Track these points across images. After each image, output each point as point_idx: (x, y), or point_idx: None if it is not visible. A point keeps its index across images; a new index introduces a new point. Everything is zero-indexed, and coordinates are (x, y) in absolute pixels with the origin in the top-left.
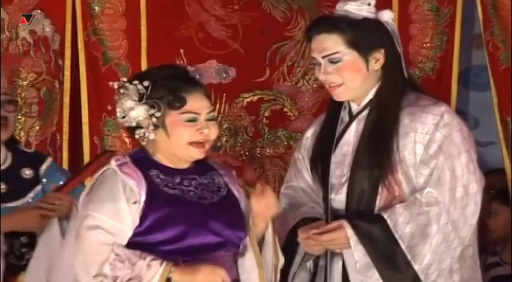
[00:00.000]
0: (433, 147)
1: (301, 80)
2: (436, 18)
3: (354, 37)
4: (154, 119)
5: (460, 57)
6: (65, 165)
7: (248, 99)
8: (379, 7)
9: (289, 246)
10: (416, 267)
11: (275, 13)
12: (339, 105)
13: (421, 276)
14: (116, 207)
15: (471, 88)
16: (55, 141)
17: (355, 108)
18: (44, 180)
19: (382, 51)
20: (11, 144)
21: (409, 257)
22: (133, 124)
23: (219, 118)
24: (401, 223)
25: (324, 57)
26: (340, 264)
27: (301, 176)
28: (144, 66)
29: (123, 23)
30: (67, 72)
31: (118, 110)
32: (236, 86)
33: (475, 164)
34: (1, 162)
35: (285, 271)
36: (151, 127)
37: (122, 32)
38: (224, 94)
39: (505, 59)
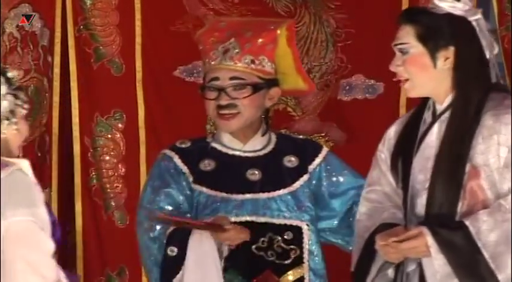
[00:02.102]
0: None
1: None
2: None
3: (425, 31)
4: None
5: None
6: (54, 168)
7: None
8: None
9: (367, 253)
10: (500, 276)
11: (277, 7)
12: (425, 104)
13: None
14: None
15: None
16: (44, 143)
17: (438, 108)
18: None
19: (453, 49)
20: None
21: (492, 266)
22: None
23: None
24: (484, 230)
25: (395, 45)
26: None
27: (385, 179)
28: (138, 63)
29: (117, 18)
30: (57, 70)
31: None
32: None
33: None
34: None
35: (362, 279)
36: None
37: (115, 27)
38: None
39: None
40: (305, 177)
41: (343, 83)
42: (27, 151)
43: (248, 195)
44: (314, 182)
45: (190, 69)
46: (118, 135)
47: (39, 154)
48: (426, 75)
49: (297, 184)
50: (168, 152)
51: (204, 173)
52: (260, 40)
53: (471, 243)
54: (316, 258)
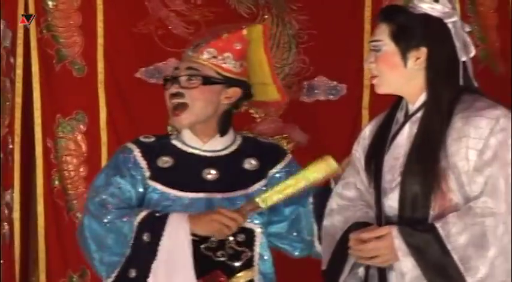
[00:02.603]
0: (488, 153)
1: None
2: None
3: (398, 30)
4: None
5: None
6: (17, 170)
7: None
8: None
9: (340, 252)
10: (470, 280)
11: (240, 9)
12: (398, 104)
13: None
14: None
15: None
16: (6, 144)
17: (410, 108)
18: None
19: (425, 50)
20: None
21: (461, 269)
22: None
23: None
24: (454, 233)
25: (370, 42)
26: (393, 274)
27: (359, 177)
28: (100, 64)
29: (79, 19)
30: (19, 71)
31: None
32: None
33: None
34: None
35: (334, 278)
36: None
37: (77, 28)
38: None
39: (483, 57)
40: (263, 181)
41: (306, 85)
42: None
43: (202, 195)
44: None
45: (152, 70)
46: (80, 137)
47: (1, 155)
48: (395, 73)
49: (253, 187)
50: (129, 144)
51: (160, 170)
52: (225, 35)
53: (441, 246)
54: (267, 262)
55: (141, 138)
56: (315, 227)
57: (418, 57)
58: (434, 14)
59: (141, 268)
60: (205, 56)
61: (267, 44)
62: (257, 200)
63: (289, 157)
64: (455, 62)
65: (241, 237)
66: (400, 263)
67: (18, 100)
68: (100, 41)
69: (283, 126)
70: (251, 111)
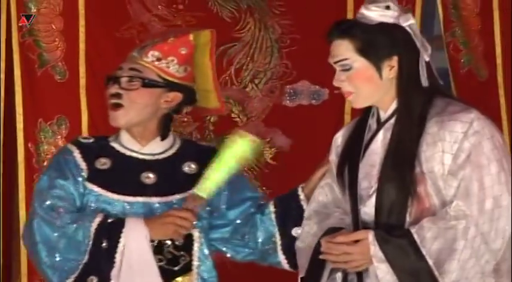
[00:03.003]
0: (461, 157)
1: (249, 83)
2: None
3: (364, 43)
4: None
5: None
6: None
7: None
8: None
9: (317, 259)
10: None
11: (222, 13)
12: (369, 110)
13: None
14: None
15: None
16: None
17: (382, 115)
18: None
19: (396, 58)
20: None
21: (436, 273)
22: None
23: None
24: (429, 238)
25: (335, 63)
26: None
27: (335, 184)
28: (82, 68)
29: (61, 24)
30: (2, 75)
31: None
32: None
33: (508, 174)
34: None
35: None
36: None
37: (59, 33)
38: None
39: (466, 62)
40: None
41: (288, 89)
42: None
43: (140, 198)
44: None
45: None
46: (61, 142)
47: None
48: (372, 87)
49: (192, 191)
50: (69, 145)
51: (98, 172)
52: (171, 39)
53: (416, 251)
54: (207, 266)
55: (81, 139)
56: (278, 236)
57: (392, 66)
58: (390, 21)
59: (101, 275)
60: (149, 58)
61: (213, 50)
62: (197, 192)
63: None
64: (422, 64)
65: (179, 242)
66: (375, 269)
67: (1, 105)
68: (82, 45)
69: (265, 131)
70: (233, 115)
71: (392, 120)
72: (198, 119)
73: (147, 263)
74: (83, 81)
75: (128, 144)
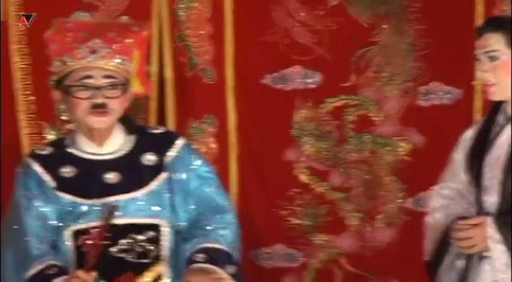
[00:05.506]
0: None
1: (386, 85)
2: None
3: None
4: None
5: None
6: None
7: (333, 104)
8: None
9: (442, 245)
10: None
11: (361, 18)
12: (497, 109)
13: None
14: None
15: None
16: None
17: (509, 111)
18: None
19: None
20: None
21: None
22: None
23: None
24: None
25: (484, 53)
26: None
27: (459, 177)
28: (229, 71)
29: (209, 29)
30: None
31: None
32: (321, 91)
33: None
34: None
35: (434, 268)
36: None
37: (208, 37)
38: (309, 99)
39: None
40: (164, 174)
41: (422, 89)
42: None
43: (108, 199)
44: (173, 176)
45: (278, 77)
46: (210, 139)
47: None
48: None
49: (155, 183)
50: (27, 159)
51: (65, 180)
52: (129, 40)
53: None
54: (176, 256)
55: (37, 151)
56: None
57: None
58: None
59: None
60: (115, 62)
61: (145, 42)
62: None
63: (181, 141)
64: None
65: (148, 235)
66: (491, 250)
67: (153, 105)
68: (229, 49)
69: (401, 129)
70: (371, 114)
71: None
72: (337, 118)
73: None
74: (230, 82)
75: (86, 148)
